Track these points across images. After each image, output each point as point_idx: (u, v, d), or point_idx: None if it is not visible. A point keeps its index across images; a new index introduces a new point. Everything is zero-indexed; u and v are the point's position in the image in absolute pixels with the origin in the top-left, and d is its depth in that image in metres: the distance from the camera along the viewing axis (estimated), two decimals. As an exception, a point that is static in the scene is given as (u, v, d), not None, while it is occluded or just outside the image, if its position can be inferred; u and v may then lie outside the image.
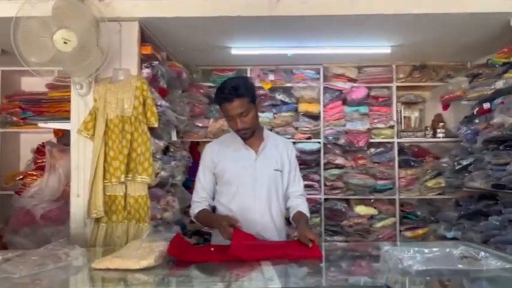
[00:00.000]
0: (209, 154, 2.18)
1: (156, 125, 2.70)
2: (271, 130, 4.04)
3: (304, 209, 2.12)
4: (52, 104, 3.05)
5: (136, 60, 2.76)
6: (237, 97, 1.94)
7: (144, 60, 2.82)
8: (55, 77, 2.55)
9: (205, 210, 2.11)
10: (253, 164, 2.09)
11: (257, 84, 4.06)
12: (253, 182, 2.07)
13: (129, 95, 2.65)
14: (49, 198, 2.84)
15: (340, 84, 4.05)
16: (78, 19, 2.34)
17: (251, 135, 2.07)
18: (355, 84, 4.08)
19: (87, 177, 2.60)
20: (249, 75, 4.11)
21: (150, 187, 2.72)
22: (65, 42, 2.30)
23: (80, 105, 2.70)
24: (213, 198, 2.19)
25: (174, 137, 3.12)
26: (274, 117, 4.14)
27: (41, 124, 2.95)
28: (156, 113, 2.71)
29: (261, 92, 4.10)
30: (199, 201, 2.15)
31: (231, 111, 1.97)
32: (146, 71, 2.78)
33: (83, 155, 2.68)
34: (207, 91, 4.06)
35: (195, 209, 2.13)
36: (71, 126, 2.69)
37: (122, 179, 2.54)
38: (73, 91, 2.68)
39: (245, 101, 1.96)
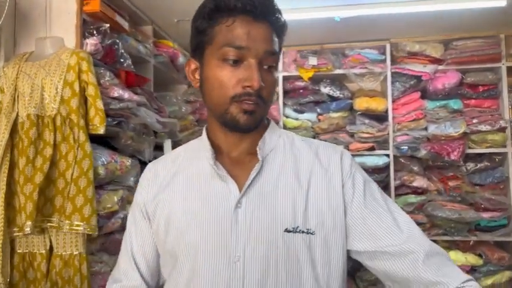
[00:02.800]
0: (139, 192, 0.97)
1: (101, 131, 1.56)
2: (315, 138, 2.77)
3: None
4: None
5: (74, 23, 1.63)
6: (269, 20, 0.85)
7: (91, 24, 1.69)
8: None
9: None
10: (233, 216, 0.85)
11: (293, 72, 2.84)
12: (230, 264, 0.83)
13: (54, 80, 1.52)
14: None
15: (417, 68, 2.73)
16: None
17: (255, 125, 0.86)
18: (441, 67, 2.75)
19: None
20: (281, 61, 2.88)
21: (91, 240, 1.57)
22: None
23: (-22, 99, 1.61)
24: (158, 283, 0.98)
25: (148, 153, 1.95)
26: (319, 120, 2.89)
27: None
28: (103, 110, 1.56)
29: (299, 83, 2.86)
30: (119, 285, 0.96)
31: (247, 40, 0.83)
32: (91, 42, 1.64)
33: (-18, 184, 1.58)
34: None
35: None
36: (-34, 135, 1.61)
37: (27, 229, 1.40)
38: (-31, 77, 1.61)
39: (279, 40, 0.88)
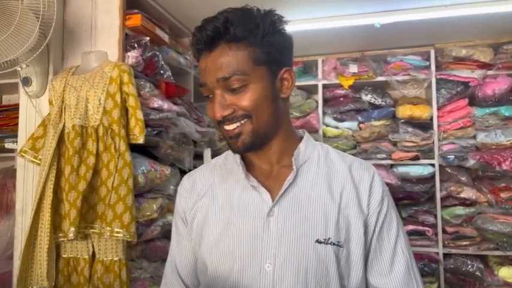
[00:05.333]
0: (179, 201, 1.01)
1: (141, 141, 1.60)
2: (356, 147, 2.72)
3: None
4: (10, 114, 2.13)
5: (117, 38, 1.70)
6: (223, 40, 0.83)
7: (132, 38, 1.76)
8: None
9: None
10: (265, 224, 0.86)
11: (333, 80, 2.80)
12: (261, 272, 0.84)
13: (98, 92, 1.59)
14: (1, 254, 1.88)
15: (464, 74, 2.61)
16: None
17: (250, 145, 0.87)
18: (490, 72, 2.60)
19: (37, 226, 1.57)
20: (320, 68, 2.86)
21: (131, 247, 1.62)
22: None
23: (29, 111, 1.72)
24: None
25: (188, 162, 1.98)
26: (360, 128, 2.82)
27: (9, 144, 2.04)
28: (143, 121, 1.60)
29: (339, 91, 2.82)
30: None
31: (205, 75, 0.86)
32: (132, 55, 1.70)
33: (31, 190, 1.68)
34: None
35: None
36: (18, 145, 1.71)
37: (71, 234, 1.46)
38: (21, 91, 1.71)
39: (241, 52, 0.83)
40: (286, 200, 0.86)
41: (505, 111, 2.55)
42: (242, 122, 0.84)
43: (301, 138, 0.94)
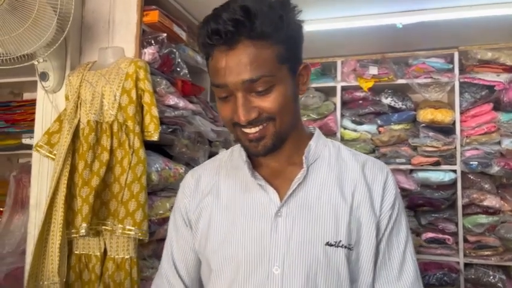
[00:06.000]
0: (181, 198, 0.95)
1: (155, 138, 1.58)
2: (374, 151, 2.66)
3: None
4: (27, 109, 2.14)
5: (134, 34, 1.69)
6: (245, 36, 0.73)
7: (149, 34, 1.74)
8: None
9: None
10: (272, 225, 0.81)
11: (352, 82, 2.74)
12: (269, 275, 0.79)
13: (113, 88, 1.58)
14: (14, 250, 1.89)
15: (489, 77, 2.52)
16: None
17: (271, 148, 0.80)
18: (516, 76, 2.49)
19: (51, 222, 1.57)
20: (339, 70, 2.80)
21: (143, 245, 1.59)
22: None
23: (46, 106, 1.71)
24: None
25: (203, 162, 1.95)
26: (380, 132, 2.75)
27: (26, 140, 2.06)
28: (158, 118, 1.58)
29: (358, 93, 2.76)
30: None
31: (224, 75, 0.75)
32: (149, 51, 1.69)
33: (46, 185, 1.67)
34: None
35: None
36: (34, 140, 1.72)
37: (83, 230, 1.45)
38: (38, 86, 1.71)
39: (267, 50, 0.75)
40: (295, 200, 0.81)
41: (531, 116, 2.45)
42: (265, 124, 0.77)
43: (312, 134, 0.89)
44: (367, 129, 2.74)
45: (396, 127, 2.71)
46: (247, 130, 0.78)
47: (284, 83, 0.77)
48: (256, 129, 0.77)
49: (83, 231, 1.44)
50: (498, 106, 2.56)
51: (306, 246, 0.78)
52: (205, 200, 0.89)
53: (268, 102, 0.76)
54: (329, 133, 2.74)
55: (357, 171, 0.85)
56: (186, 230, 0.92)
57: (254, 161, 0.87)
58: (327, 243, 0.79)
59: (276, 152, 0.82)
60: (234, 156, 0.92)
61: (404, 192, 2.63)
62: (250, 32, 0.72)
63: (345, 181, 0.84)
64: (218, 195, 0.88)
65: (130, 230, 1.49)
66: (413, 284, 0.84)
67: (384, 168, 0.88)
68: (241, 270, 0.80)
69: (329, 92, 2.88)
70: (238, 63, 0.73)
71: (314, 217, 0.80)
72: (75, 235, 1.53)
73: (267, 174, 0.85)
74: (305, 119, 2.78)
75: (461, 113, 2.59)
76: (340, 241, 0.79)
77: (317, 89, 2.83)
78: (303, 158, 0.83)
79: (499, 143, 2.51)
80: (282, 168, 0.86)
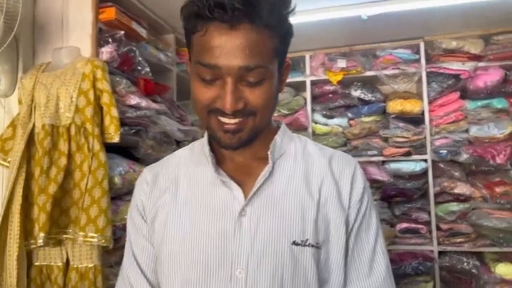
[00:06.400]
0: (138, 195, 0.88)
1: (116, 139, 1.52)
2: (346, 144, 2.65)
3: None
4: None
5: (89, 33, 1.62)
6: (247, 19, 0.67)
7: (107, 32, 1.67)
8: None
9: None
10: (236, 225, 0.76)
11: (321, 76, 2.72)
12: (232, 278, 0.74)
13: (69, 89, 1.50)
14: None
15: (455, 66, 2.55)
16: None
17: (246, 142, 0.76)
18: (481, 64, 2.54)
19: (8, 234, 1.48)
20: (308, 64, 2.78)
21: (109, 252, 1.53)
22: None
23: (-2, 111, 1.62)
24: None
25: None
26: (350, 125, 2.75)
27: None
28: (118, 118, 1.52)
29: (327, 87, 2.75)
30: None
31: (219, 56, 0.68)
32: (107, 50, 1.62)
33: (1, 195, 1.58)
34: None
35: None
36: (-12, 147, 1.62)
37: (40, 240, 1.37)
38: (-11, 90, 1.62)
39: (266, 39, 0.70)
40: (261, 197, 0.76)
41: (497, 103, 2.49)
42: (245, 118, 0.72)
43: (277, 129, 0.85)
44: (338, 122, 2.74)
45: (367, 119, 2.71)
46: (225, 120, 0.72)
47: (273, 78, 0.73)
48: (236, 120, 0.72)
49: (41, 241, 1.37)
50: (465, 94, 2.59)
51: (272, 247, 0.74)
52: (162, 198, 0.83)
53: (255, 96, 0.71)
54: (300, 128, 2.72)
55: (324, 166, 0.81)
56: (144, 226, 0.85)
57: (217, 156, 0.82)
58: (294, 243, 0.74)
59: (246, 147, 0.78)
60: (195, 151, 0.87)
61: (377, 184, 2.64)
62: (256, 18, 0.67)
63: (312, 176, 0.80)
64: (177, 193, 0.82)
65: (92, 237, 1.43)
66: (385, 280, 0.80)
67: (352, 162, 0.84)
68: (202, 273, 0.75)
69: (299, 87, 2.86)
70: (237, 46, 0.67)
71: (280, 215, 0.76)
72: (34, 246, 1.45)
73: (231, 170, 0.80)
74: (276, 114, 2.75)
75: (430, 102, 2.61)
76: (307, 240, 0.75)
77: (287, 84, 2.79)
78: (268, 153, 0.78)
79: (466, 130, 2.54)
80: (246, 163, 0.82)
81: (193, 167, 0.84)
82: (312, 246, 0.75)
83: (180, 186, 0.83)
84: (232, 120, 0.72)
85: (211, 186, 0.80)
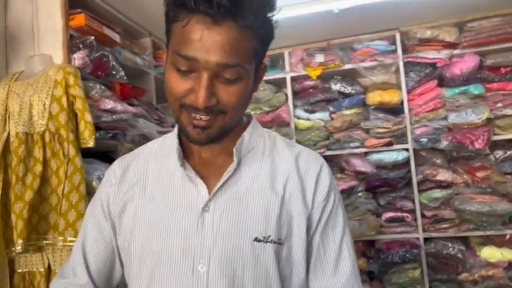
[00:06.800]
0: (104, 187, 0.89)
1: (91, 144, 1.53)
2: (329, 137, 2.68)
3: None
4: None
5: (60, 40, 1.63)
6: (231, 16, 0.68)
7: (78, 38, 1.69)
8: None
9: None
10: (199, 220, 0.77)
11: (301, 72, 2.75)
12: (194, 273, 0.76)
13: (42, 96, 1.52)
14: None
15: (431, 55, 2.58)
16: None
17: (214, 139, 0.77)
18: (456, 52, 2.57)
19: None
20: (287, 61, 2.81)
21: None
22: None
23: (-27, 122, 1.63)
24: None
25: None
26: (332, 118, 2.77)
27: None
28: (93, 123, 1.54)
29: (307, 82, 2.78)
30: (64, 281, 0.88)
31: (198, 50, 0.68)
32: (78, 56, 1.63)
33: (-19, 205, 1.59)
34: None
35: None
36: (-35, 158, 1.63)
37: (19, 247, 1.39)
38: (-36, 101, 1.63)
39: (248, 38, 0.71)
40: (225, 193, 0.77)
41: (474, 89, 2.52)
42: (215, 115, 0.73)
43: (248, 124, 0.85)
44: (320, 117, 2.76)
45: (348, 112, 2.73)
46: (196, 115, 0.72)
47: (249, 78, 0.74)
48: (207, 117, 0.72)
49: (19, 247, 1.38)
50: (442, 82, 2.61)
51: (233, 243, 0.75)
52: (131, 191, 0.83)
53: (229, 94, 0.71)
54: (282, 124, 2.74)
55: (290, 163, 0.82)
56: (103, 220, 0.86)
57: (186, 150, 0.82)
58: (256, 239, 0.75)
59: (215, 143, 0.79)
60: (166, 144, 0.87)
61: (361, 176, 2.67)
62: (240, 17, 0.67)
63: (278, 173, 0.81)
64: (145, 186, 0.83)
65: (72, 241, 1.44)
66: (350, 278, 0.81)
67: (319, 160, 0.84)
68: (165, 266, 0.76)
69: (279, 84, 2.88)
70: (218, 43, 0.67)
71: (243, 211, 0.76)
72: (14, 253, 1.47)
73: (198, 164, 0.81)
74: (258, 112, 2.77)
75: (408, 92, 2.64)
76: (270, 236, 0.76)
77: (267, 82, 2.82)
78: (234, 150, 0.79)
79: (445, 118, 2.57)
80: (214, 158, 0.82)
81: (163, 160, 0.84)
82: (274, 242, 0.76)
83: (149, 180, 0.84)
84: (203, 117, 0.72)
85: (178, 181, 0.80)
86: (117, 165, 0.89)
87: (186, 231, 0.76)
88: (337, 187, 0.86)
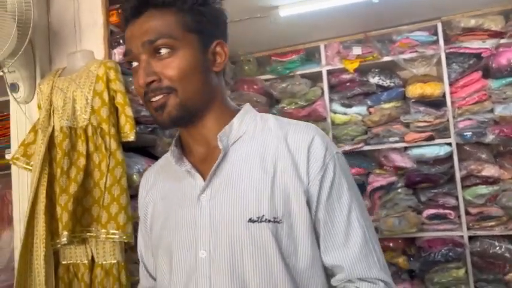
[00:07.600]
0: (140, 195, 1.00)
1: (132, 138, 1.54)
2: (367, 132, 2.62)
3: None
4: (5, 124, 2.10)
5: (101, 36, 1.65)
6: (151, 6, 0.78)
7: (117, 34, 1.70)
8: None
9: None
10: (198, 209, 0.81)
11: (338, 65, 2.69)
12: (197, 259, 0.79)
13: (84, 91, 1.54)
14: (5, 266, 1.86)
15: (475, 45, 2.46)
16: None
17: (178, 118, 0.79)
18: (503, 41, 2.44)
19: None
20: (323, 54, 2.75)
21: (133, 249, 1.56)
22: None
23: (19, 118, 1.68)
24: None
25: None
26: (370, 112, 2.70)
27: (8, 155, 2.02)
28: (133, 117, 1.55)
29: (344, 76, 2.71)
30: None
31: (128, 42, 0.81)
32: (118, 51, 1.65)
33: (27, 198, 1.64)
34: (264, 87, 2.80)
35: None
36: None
37: (64, 239, 1.41)
38: (10, 98, 1.68)
39: (169, 16, 0.79)
40: (219, 180, 0.80)
41: (523, 80, 2.39)
42: (165, 94, 0.78)
43: (237, 112, 0.87)
44: (357, 111, 2.69)
45: (386, 106, 2.65)
46: (150, 98, 0.78)
47: (190, 52, 0.78)
48: (158, 97, 0.77)
49: (64, 239, 1.41)
50: (487, 73, 2.50)
51: (229, 226, 0.77)
52: (149, 195, 0.93)
53: (169, 69, 0.76)
54: (319, 119, 2.70)
55: (280, 141, 0.81)
56: (144, 225, 0.96)
57: (185, 149, 0.88)
58: (250, 220, 0.76)
59: (193, 129, 0.83)
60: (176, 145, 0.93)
61: (401, 171, 2.59)
62: (151, 6, 0.77)
63: (267, 153, 0.80)
64: (158, 188, 0.92)
65: (114, 234, 1.46)
66: (362, 248, 0.78)
67: (310, 132, 0.81)
68: (175, 259, 0.81)
69: (315, 78, 2.83)
70: (139, 29, 0.77)
71: (236, 195, 0.78)
72: (59, 244, 1.50)
73: (196, 161, 0.85)
74: (293, 106, 2.74)
75: (451, 84, 2.54)
76: (263, 215, 0.76)
77: (303, 76, 2.78)
78: (217, 137, 0.81)
79: (491, 110, 2.46)
80: (208, 151, 0.85)
81: (168, 162, 0.90)
82: (269, 221, 0.76)
83: (160, 181, 0.92)
84: (155, 98, 0.77)
85: (179, 178, 0.86)
86: (147, 172, 1.00)
87: (189, 221, 0.81)
88: (339, 157, 0.82)
